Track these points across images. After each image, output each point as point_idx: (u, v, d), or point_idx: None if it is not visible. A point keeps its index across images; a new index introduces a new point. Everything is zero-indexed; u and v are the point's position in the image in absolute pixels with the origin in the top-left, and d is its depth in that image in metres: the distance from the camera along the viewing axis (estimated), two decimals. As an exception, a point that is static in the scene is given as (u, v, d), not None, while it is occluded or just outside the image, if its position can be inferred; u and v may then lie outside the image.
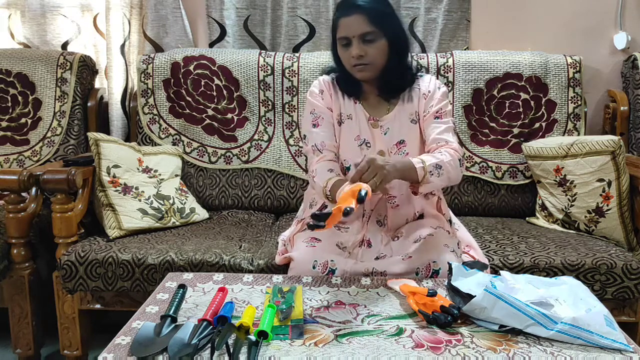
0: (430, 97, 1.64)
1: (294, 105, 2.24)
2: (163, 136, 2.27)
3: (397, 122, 1.64)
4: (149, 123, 2.28)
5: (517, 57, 2.24)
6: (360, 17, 1.53)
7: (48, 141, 2.26)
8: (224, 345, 1.03)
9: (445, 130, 1.60)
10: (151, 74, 2.27)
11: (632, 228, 1.88)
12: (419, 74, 1.69)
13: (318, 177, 1.56)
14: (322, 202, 1.68)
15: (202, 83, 2.25)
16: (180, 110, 2.28)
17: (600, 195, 1.91)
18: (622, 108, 2.29)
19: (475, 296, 1.15)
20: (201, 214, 2.11)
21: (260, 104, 2.26)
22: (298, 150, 2.25)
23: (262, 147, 2.26)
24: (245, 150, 2.26)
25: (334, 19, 1.61)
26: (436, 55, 2.27)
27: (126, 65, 2.39)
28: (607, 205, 1.89)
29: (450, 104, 2.21)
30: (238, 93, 2.26)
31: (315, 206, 1.69)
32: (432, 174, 1.46)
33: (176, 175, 2.17)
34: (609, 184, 1.89)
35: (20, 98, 2.28)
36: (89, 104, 2.33)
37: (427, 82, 1.67)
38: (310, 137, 1.65)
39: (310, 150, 1.65)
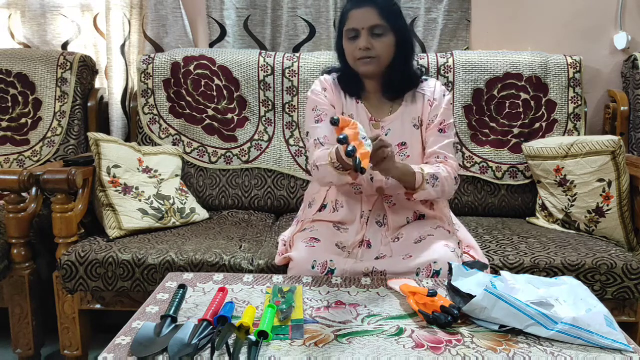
0: (436, 106, 1.64)
1: (294, 105, 2.24)
2: (163, 136, 2.27)
3: (399, 123, 1.64)
4: (149, 123, 2.28)
5: (517, 57, 2.24)
6: (371, 9, 1.55)
7: (48, 141, 2.26)
8: (224, 345, 1.03)
9: (446, 146, 1.62)
10: (151, 74, 2.27)
11: (632, 228, 1.88)
12: (424, 77, 1.70)
13: (319, 159, 1.51)
14: (321, 201, 1.68)
15: (202, 83, 2.25)
16: (180, 110, 2.28)
17: (600, 195, 1.91)
18: (622, 108, 2.28)
19: (475, 296, 1.15)
20: (201, 214, 2.11)
21: (260, 104, 2.26)
22: (298, 150, 2.25)
23: (262, 147, 2.26)
24: (245, 150, 2.26)
25: (343, 11, 1.62)
26: (436, 55, 2.27)
27: (126, 65, 2.39)
28: (607, 205, 1.89)
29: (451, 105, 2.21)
30: (238, 93, 2.26)
31: (314, 205, 1.69)
32: (429, 183, 1.51)
33: (176, 175, 2.17)
34: (609, 184, 1.89)
35: (20, 98, 2.28)
36: (89, 104, 2.33)
37: (433, 88, 1.66)
38: (312, 133, 1.63)
39: (312, 145, 1.61)
